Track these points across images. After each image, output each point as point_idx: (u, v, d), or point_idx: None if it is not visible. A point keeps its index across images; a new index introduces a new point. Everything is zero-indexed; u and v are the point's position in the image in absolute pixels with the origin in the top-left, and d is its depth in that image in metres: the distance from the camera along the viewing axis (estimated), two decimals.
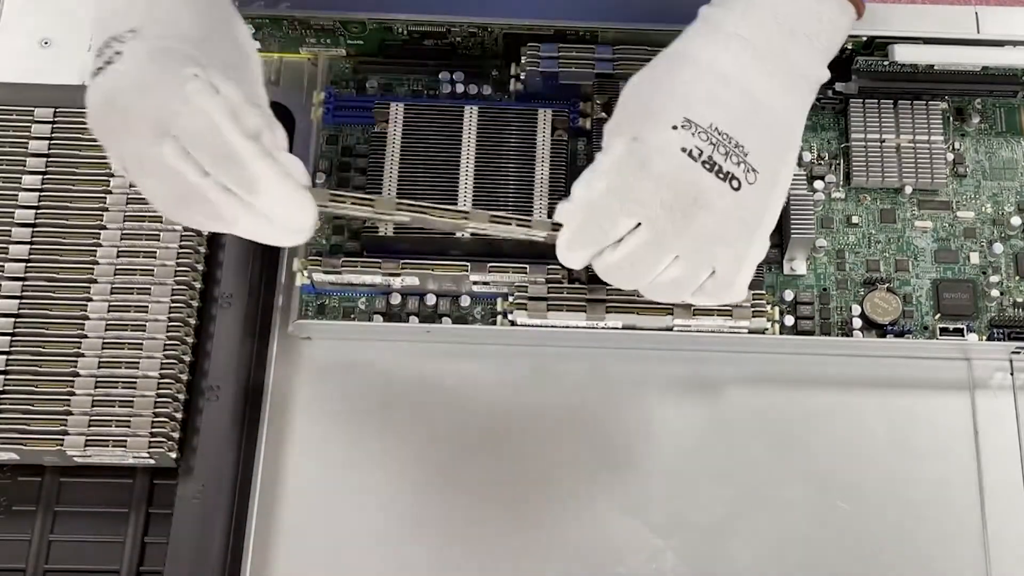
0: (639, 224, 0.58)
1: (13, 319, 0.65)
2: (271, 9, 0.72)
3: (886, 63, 0.72)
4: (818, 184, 0.73)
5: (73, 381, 0.64)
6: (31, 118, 0.70)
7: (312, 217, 0.56)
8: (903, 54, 0.71)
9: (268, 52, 0.75)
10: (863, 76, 0.73)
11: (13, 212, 0.68)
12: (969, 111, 0.75)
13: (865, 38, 0.72)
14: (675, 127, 0.59)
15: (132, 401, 0.64)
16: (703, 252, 0.59)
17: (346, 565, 0.65)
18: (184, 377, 0.65)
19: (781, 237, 0.71)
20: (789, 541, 0.66)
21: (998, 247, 0.71)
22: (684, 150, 0.58)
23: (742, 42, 0.59)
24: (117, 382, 0.64)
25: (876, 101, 0.73)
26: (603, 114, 0.70)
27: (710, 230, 0.59)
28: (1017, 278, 0.71)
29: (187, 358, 0.66)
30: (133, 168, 0.56)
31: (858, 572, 0.65)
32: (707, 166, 0.58)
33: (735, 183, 0.58)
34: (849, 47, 0.73)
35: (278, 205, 0.55)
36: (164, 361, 0.65)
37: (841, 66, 0.74)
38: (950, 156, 0.74)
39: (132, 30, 0.56)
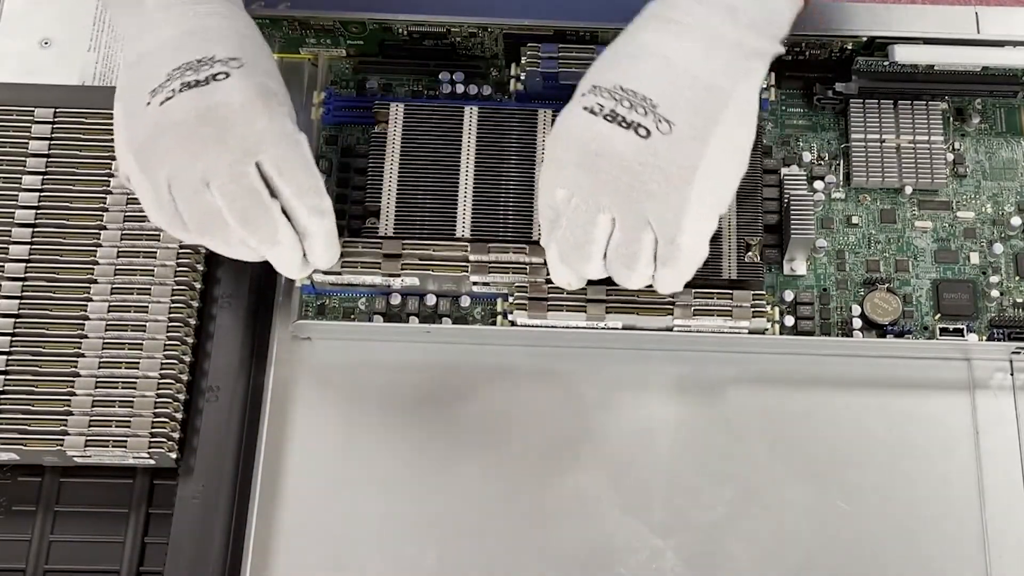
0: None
1: (13, 319, 0.65)
2: (271, 9, 0.72)
3: (886, 63, 0.72)
4: (818, 184, 0.73)
5: (73, 381, 0.64)
6: (31, 118, 0.70)
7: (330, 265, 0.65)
8: (903, 54, 0.71)
9: None
10: (863, 76, 0.73)
11: (13, 212, 0.68)
12: (969, 111, 0.75)
13: (865, 38, 0.72)
14: (583, 94, 0.61)
15: (132, 401, 0.64)
16: (629, 205, 0.60)
17: (346, 565, 0.65)
18: (184, 377, 0.65)
19: (781, 237, 0.71)
20: (789, 541, 0.66)
21: (998, 247, 0.71)
22: (586, 108, 0.60)
23: (665, 21, 0.61)
24: (117, 382, 0.64)
25: (876, 101, 0.73)
26: None
27: (626, 181, 0.59)
28: (1017, 278, 0.71)
29: (187, 358, 0.66)
30: (183, 182, 0.59)
31: (858, 572, 0.65)
32: (608, 118, 0.60)
33: (642, 131, 0.59)
34: (849, 47, 0.73)
35: (313, 257, 0.63)
36: (164, 361, 0.65)
37: (841, 66, 0.74)
38: (950, 156, 0.74)
39: (236, 59, 0.61)
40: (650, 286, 0.63)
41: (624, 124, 0.59)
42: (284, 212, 0.61)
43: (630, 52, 0.62)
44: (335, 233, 0.63)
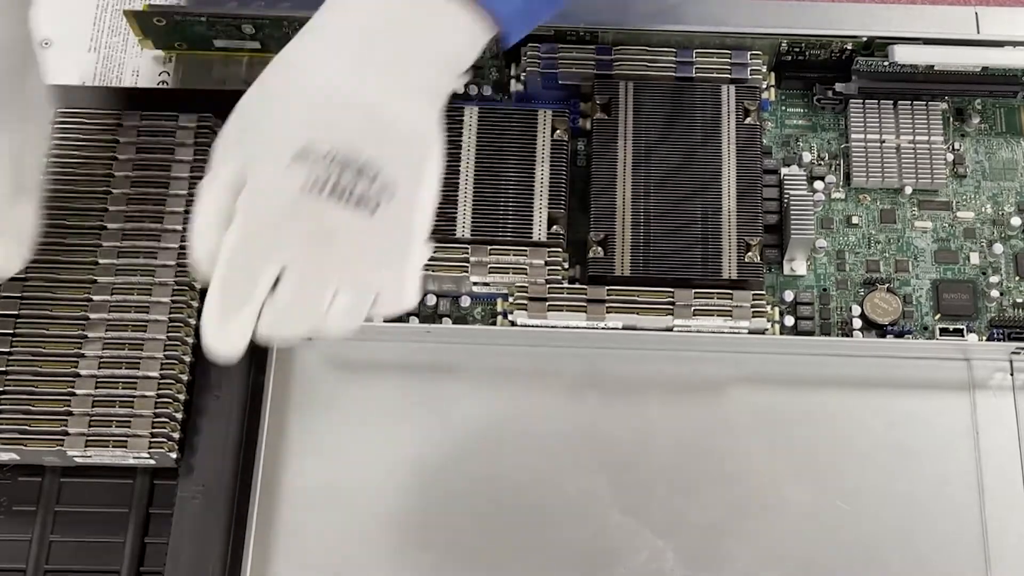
0: (283, 269, 0.55)
1: (13, 319, 0.65)
2: (271, 9, 0.72)
3: (886, 63, 0.72)
4: (818, 184, 0.73)
5: (73, 381, 0.64)
6: None
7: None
8: (903, 54, 0.71)
9: (268, 52, 0.75)
10: (863, 76, 0.73)
11: None
12: (969, 111, 0.75)
13: (865, 38, 0.72)
14: (292, 161, 0.54)
15: (132, 401, 0.64)
16: (360, 280, 0.56)
17: (346, 565, 0.65)
18: (184, 377, 0.65)
19: (781, 237, 0.71)
20: (789, 541, 0.66)
21: (998, 247, 0.71)
22: (304, 186, 0.54)
23: (353, 56, 0.56)
24: (117, 382, 0.64)
25: (876, 101, 0.73)
26: (603, 114, 0.71)
27: (357, 259, 0.55)
28: (1017, 278, 0.71)
29: (187, 358, 0.66)
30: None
31: (858, 572, 0.65)
32: (333, 196, 0.54)
33: (370, 205, 0.55)
34: (849, 47, 0.73)
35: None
36: (164, 361, 0.65)
37: (841, 66, 0.74)
38: (950, 156, 0.74)
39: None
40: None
41: (353, 202, 0.54)
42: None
43: (330, 95, 0.55)
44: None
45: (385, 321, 0.64)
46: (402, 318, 0.69)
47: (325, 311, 0.56)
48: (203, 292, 0.67)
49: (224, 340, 0.55)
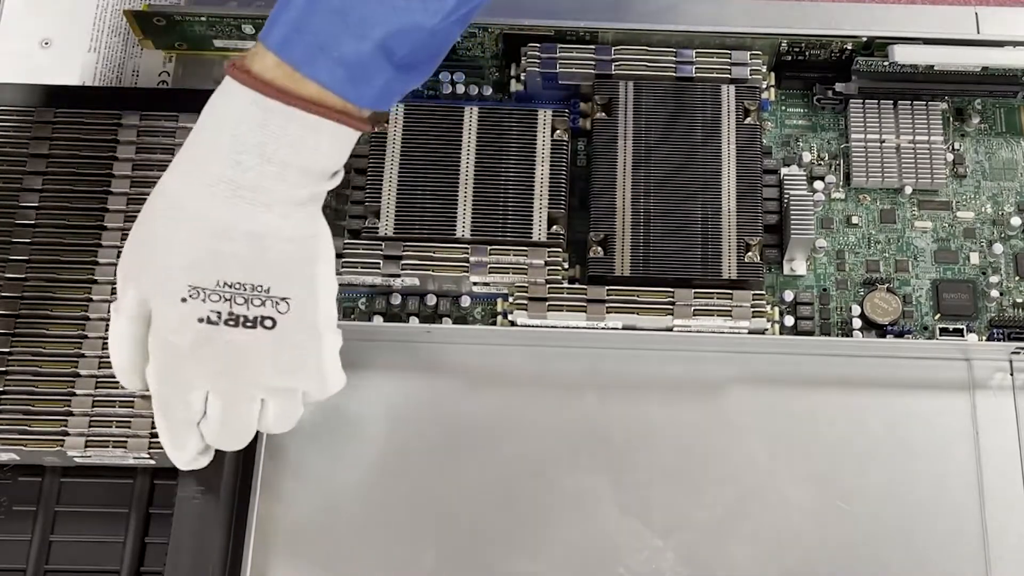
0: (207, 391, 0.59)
1: (13, 319, 0.65)
2: (271, 9, 0.72)
3: (886, 63, 0.72)
4: (818, 184, 0.73)
5: (73, 381, 0.64)
6: (31, 118, 0.70)
7: None
8: (903, 54, 0.71)
9: None
10: (863, 76, 0.73)
11: (14, 212, 0.68)
12: (969, 111, 0.75)
13: (865, 38, 0.72)
14: (184, 299, 0.58)
15: (132, 401, 0.64)
16: (282, 387, 0.60)
17: (345, 565, 0.65)
18: None
19: (781, 237, 0.71)
20: (789, 541, 0.66)
21: (998, 247, 0.71)
22: (201, 320, 0.58)
23: (231, 181, 0.57)
24: (117, 382, 0.64)
25: (876, 101, 0.73)
26: (603, 114, 0.71)
27: (272, 368, 0.59)
28: (1017, 278, 0.71)
29: None
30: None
31: (858, 572, 0.65)
32: (231, 323, 0.58)
33: (268, 323, 0.58)
34: (849, 47, 0.73)
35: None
36: None
37: (841, 66, 0.74)
38: (950, 156, 0.74)
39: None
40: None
41: (250, 324, 0.58)
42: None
43: (211, 229, 0.57)
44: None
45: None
46: (402, 318, 0.69)
47: (257, 421, 0.60)
48: None
49: (187, 460, 0.61)
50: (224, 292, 0.58)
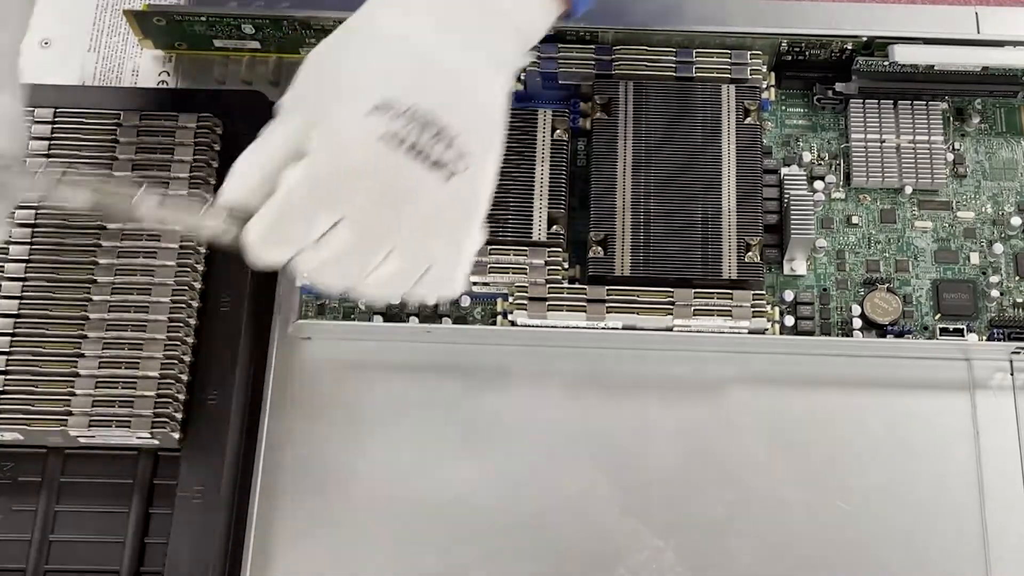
0: (341, 219, 0.52)
1: (13, 318, 0.65)
2: (271, 9, 0.72)
3: (886, 63, 0.72)
4: (818, 184, 0.73)
5: (76, 361, 0.64)
6: (31, 118, 0.69)
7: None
8: (903, 54, 0.71)
9: (268, 52, 0.75)
10: (863, 76, 0.73)
11: (13, 212, 0.67)
12: (969, 111, 0.75)
13: (865, 38, 0.72)
14: (371, 110, 0.52)
15: (135, 382, 0.64)
16: (419, 246, 0.54)
17: (346, 565, 0.65)
18: (184, 377, 0.65)
19: (782, 237, 0.71)
20: (789, 541, 0.66)
21: (998, 247, 0.71)
22: (384, 137, 0.52)
23: (438, 18, 0.54)
24: (120, 363, 0.64)
25: (876, 101, 0.73)
26: (603, 114, 0.71)
27: (423, 224, 0.53)
28: (1017, 278, 0.71)
29: (187, 358, 0.66)
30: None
31: (858, 572, 0.65)
32: (412, 154, 0.52)
33: (445, 171, 0.53)
34: (849, 47, 0.73)
35: None
36: (164, 361, 0.65)
37: (841, 66, 0.74)
38: (950, 156, 0.74)
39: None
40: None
41: (428, 164, 0.52)
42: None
43: (411, 53, 0.53)
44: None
45: (388, 320, 0.65)
46: (402, 318, 0.69)
47: (369, 271, 0.53)
48: (203, 292, 0.67)
49: (260, 257, 0.53)
50: (414, 119, 0.52)
